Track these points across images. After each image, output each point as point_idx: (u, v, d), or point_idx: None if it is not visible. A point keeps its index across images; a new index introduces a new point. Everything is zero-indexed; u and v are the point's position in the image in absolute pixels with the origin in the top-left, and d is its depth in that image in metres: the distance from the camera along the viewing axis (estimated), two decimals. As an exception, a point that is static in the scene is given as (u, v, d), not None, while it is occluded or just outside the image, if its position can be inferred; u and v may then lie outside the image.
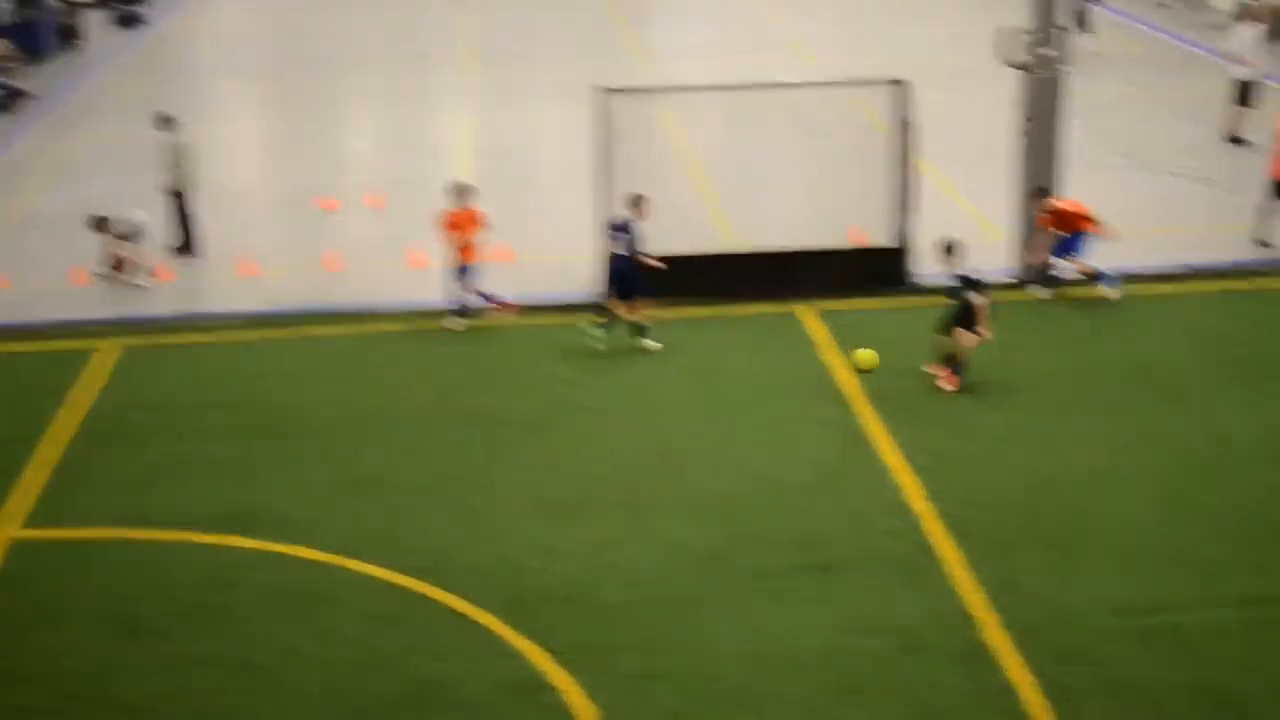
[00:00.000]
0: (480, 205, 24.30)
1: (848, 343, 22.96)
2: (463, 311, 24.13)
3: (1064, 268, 25.26)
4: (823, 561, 17.41)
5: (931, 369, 21.99)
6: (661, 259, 23.48)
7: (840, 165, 27.39)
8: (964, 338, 21.69)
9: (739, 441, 20.42)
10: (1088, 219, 25.14)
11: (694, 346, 23.33)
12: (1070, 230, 25.12)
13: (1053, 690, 15.07)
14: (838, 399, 21.54)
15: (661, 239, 23.49)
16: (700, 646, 15.90)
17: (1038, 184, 25.53)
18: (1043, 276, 25.45)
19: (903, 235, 25.47)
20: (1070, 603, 16.56)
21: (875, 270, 25.48)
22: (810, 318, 24.32)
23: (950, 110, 33.37)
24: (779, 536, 17.97)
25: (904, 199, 25.36)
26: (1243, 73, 34.05)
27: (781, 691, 15.16)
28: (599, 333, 23.28)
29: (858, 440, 20.35)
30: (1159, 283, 25.56)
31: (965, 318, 21.74)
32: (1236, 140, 34.04)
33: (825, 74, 29.83)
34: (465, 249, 23.96)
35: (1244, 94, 34.10)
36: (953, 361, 21.82)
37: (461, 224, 23.95)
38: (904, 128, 25.19)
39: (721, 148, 32.76)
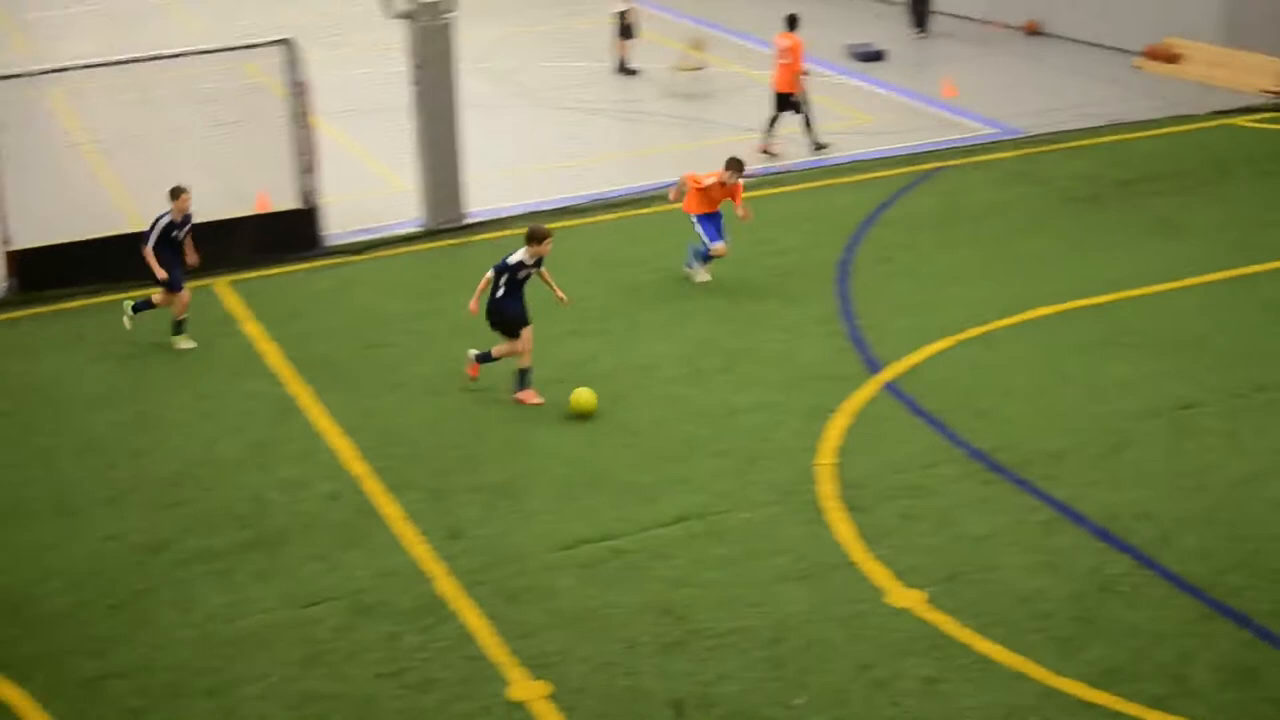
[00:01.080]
0: None
1: (265, 312, 22.83)
2: None
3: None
4: (265, 536, 17.22)
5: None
6: (53, 248, 22.61)
7: (240, 131, 27.06)
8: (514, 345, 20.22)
9: (165, 424, 19.99)
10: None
11: (105, 332, 22.65)
12: (712, 208, 23.56)
13: (508, 630, 15.31)
14: (261, 371, 21.31)
15: (59, 227, 22.76)
16: (153, 640, 15.54)
17: (732, 157, 23.33)
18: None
19: (308, 196, 25.35)
20: (514, 542, 16.83)
21: (286, 234, 25.27)
22: (225, 291, 23.98)
23: (341, 64, 33.35)
24: (218, 516, 17.69)
25: (306, 160, 25.23)
26: (621, 5, 35.13)
27: (242, 672, 14.95)
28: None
29: (286, 409, 20.20)
30: (568, 217, 26.12)
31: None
32: (626, 70, 35.11)
33: (213, 39, 29.32)
34: None
35: (625, 26, 35.21)
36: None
37: None
38: (297, 88, 25.02)
39: (117, 125, 31.87)
